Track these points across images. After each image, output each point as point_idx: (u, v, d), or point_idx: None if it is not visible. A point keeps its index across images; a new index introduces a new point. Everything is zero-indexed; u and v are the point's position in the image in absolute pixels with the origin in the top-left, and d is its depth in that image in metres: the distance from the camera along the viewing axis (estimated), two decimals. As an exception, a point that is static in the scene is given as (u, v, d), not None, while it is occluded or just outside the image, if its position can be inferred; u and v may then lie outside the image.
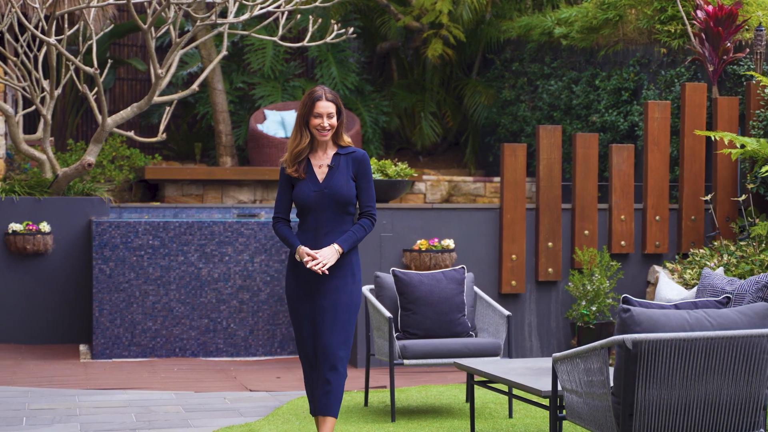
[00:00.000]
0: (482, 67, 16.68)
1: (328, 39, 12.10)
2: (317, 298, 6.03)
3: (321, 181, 6.04)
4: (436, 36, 15.52)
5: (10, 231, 11.00)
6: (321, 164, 6.09)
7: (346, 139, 6.14)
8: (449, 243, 10.27)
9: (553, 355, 5.70)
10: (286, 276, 6.20)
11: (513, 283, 10.54)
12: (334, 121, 6.03)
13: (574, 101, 14.07)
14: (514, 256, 10.52)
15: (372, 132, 16.31)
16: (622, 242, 10.81)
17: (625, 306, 5.15)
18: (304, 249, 5.99)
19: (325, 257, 5.94)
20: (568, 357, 5.52)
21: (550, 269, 10.64)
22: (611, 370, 5.23)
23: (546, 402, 6.31)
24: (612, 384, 5.18)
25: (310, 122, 6.04)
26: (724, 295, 5.49)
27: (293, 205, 6.19)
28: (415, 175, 10.72)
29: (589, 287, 10.18)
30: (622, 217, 10.81)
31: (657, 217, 10.86)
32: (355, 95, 16.58)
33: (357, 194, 6.10)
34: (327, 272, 5.94)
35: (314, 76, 16.77)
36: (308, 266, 5.93)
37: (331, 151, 6.12)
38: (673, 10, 12.39)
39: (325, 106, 6.01)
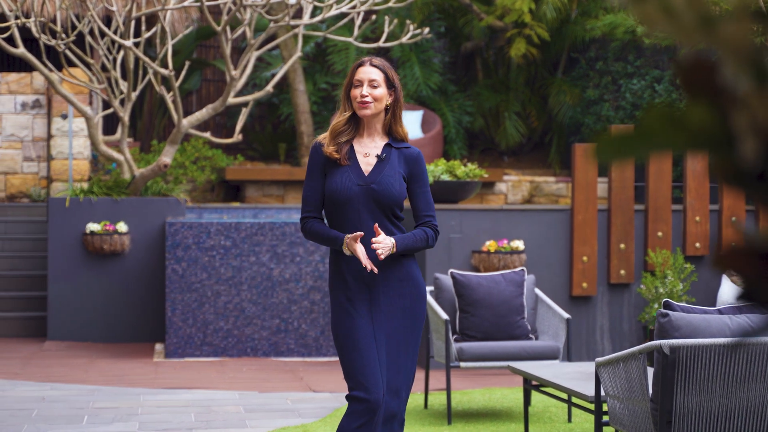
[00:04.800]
0: (568, 66, 16.52)
1: (404, 39, 12.08)
2: (377, 317, 4.78)
3: (367, 174, 4.80)
4: (519, 35, 15.40)
5: (88, 231, 11.18)
6: (368, 153, 4.86)
7: (404, 129, 4.91)
8: (518, 244, 10.16)
9: (596, 359, 5.61)
10: (330, 284, 4.90)
11: (584, 285, 10.40)
12: (379, 92, 4.79)
13: (656, 100, 13.87)
14: (585, 258, 10.39)
15: (455, 132, 16.25)
16: (697, 244, 10.60)
17: (663, 311, 5.05)
18: (355, 242, 4.67)
19: (383, 245, 4.63)
20: (610, 362, 5.42)
21: (622, 271, 10.47)
22: (651, 375, 5.12)
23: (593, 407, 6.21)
24: (651, 390, 5.08)
25: (351, 94, 4.84)
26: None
27: (324, 205, 4.92)
28: (486, 175, 10.60)
29: (661, 290, 10.00)
30: (697, 218, 10.60)
31: (733, 219, 10.63)
32: (438, 95, 16.54)
33: (411, 200, 4.89)
34: (376, 270, 4.65)
35: (397, 76, 16.76)
36: (364, 263, 4.63)
37: (382, 141, 4.88)
38: (755, 6, 12.14)
39: (367, 71, 4.82)
